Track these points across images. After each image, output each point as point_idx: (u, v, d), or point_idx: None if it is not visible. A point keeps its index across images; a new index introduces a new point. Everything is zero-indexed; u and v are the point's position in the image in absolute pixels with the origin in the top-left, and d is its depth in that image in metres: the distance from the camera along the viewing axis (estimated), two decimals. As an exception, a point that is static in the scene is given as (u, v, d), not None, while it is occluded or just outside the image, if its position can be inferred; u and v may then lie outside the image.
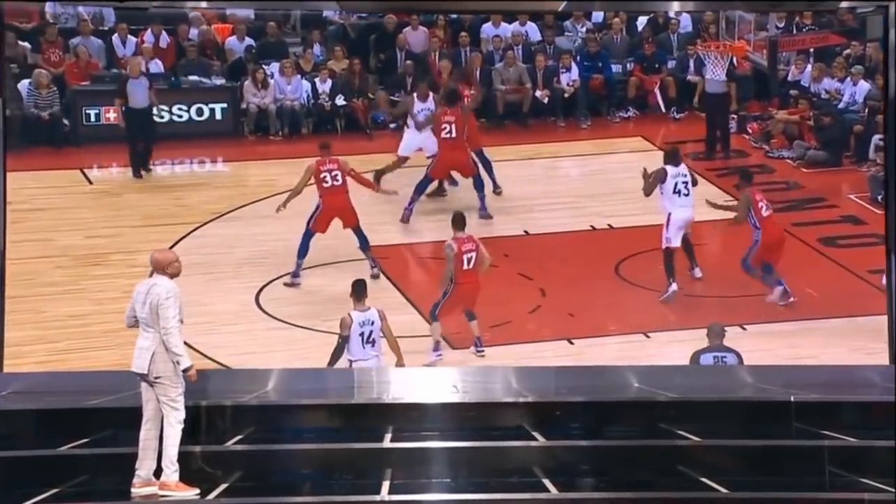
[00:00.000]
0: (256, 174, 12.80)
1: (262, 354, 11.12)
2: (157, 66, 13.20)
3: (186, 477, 7.27)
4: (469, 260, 10.92)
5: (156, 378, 7.19)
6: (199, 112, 12.95)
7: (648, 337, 11.43)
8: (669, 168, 11.61)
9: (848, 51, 12.90)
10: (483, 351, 11.12)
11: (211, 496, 7.18)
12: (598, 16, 13.51)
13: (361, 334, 10.49)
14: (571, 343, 11.36)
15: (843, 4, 11.76)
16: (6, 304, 11.19)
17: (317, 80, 13.18)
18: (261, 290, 11.69)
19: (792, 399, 8.98)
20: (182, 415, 7.23)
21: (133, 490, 7.22)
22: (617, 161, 12.71)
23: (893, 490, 7.29)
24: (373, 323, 10.48)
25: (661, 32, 13.38)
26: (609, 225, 12.32)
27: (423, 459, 8.05)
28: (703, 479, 7.66)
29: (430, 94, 12.55)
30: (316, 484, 7.78)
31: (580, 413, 9.16)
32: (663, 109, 13.11)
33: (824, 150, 12.71)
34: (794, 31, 12.90)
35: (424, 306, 11.46)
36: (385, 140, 12.84)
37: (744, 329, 11.43)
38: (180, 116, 12.91)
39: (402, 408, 9.23)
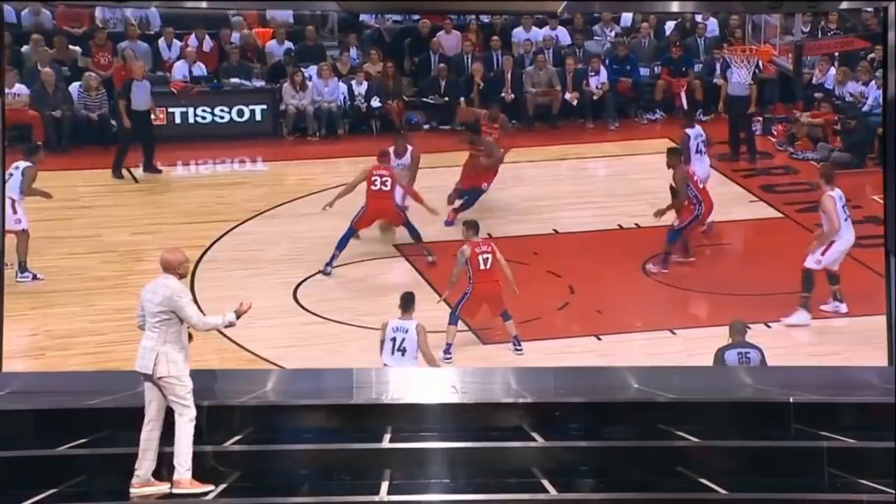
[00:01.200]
0: (294, 173, 13.10)
1: (299, 348, 11.25)
2: (200, 69, 13.60)
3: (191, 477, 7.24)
4: (486, 260, 11.11)
5: (160, 378, 7.18)
6: (240, 113, 13.29)
7: (675, 333, 11.50)
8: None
9: (872, 55, 12.95)
10: (521, 349, 11.20)
11: (210, 496, 7.16)
12: (626, 19, 13.68)
13: (393, 339, 10.66)
14: (599, 339, 11.47)
15: (844, 5, 11.76)
16: (57, 297, 11.54)
17: (353, 82, 13.47)
18: (298, 285, 11.85)
19: (791, 400, 8.87)
20: (193, 412, 7.22)
21: (132, 490, 7.21)
22: (644, 162, 12.82)
23: (892, 491, 7.24)
24: (406, 331, 10.63)
25: (689, 36, 13.55)
26: (636, 224, 12.41)
27: (422, 460, 7.98)
28: (702, 480, 7.60)
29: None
30: (315, 484, 7.70)
31: (579, 414, 9.06)
32: (685, 110, 13.25)
33: (848, 152, 12.76)
34: (820, 36, 13.02)
35: (456, 301, 11.51)
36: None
37: (768, 327, 11.52)
38: (222, 118, 13.27)
39: (401, 408, 9.13)
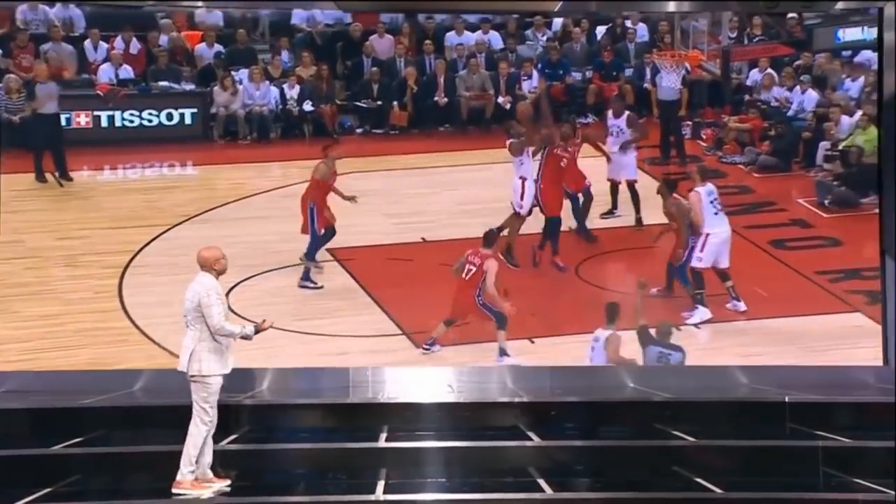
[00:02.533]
0: (225, 177, 12.94)
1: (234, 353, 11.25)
2: (127, 71, 13.32)
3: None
4: (469, 271, 11.34)
5: (191, 377, 7.21)
6: (170, 117, 13.04)
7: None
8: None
9: (799, 61, 13.20)
10: (504, 359, 11.33)
11: (205, 495, 7.18)
12: (557, 24, 13.72)
13: (592, 347, 11.06)
14: (532, 342, 11.55)
15: (840, 5, 11.86)
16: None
17: (285, 85, 13.30)
18: (229, 290, 11.60)
19: (786, 399, 8.99)
20: (208, 417, 7.20)
21: (176, 489, 7.22)
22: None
23: (888, 491, 7.28)
24: (597, 340, 11.09)
25: (619, 42, 13.62)
26: (570, 227, 12.44)
27: (418, 459, 8.04)
28: (698, 480, 7.64)
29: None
30: (311, 484, 7.73)
31: (575, 413, 9.14)
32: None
33: (775, 157, 12.96)
34: (746, 42, 13.21)
35: (390, 306, 11.68)
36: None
37: (697, 328, 11.77)
38: (150, 121, 13.01)
39: (398, 407, 9.20)
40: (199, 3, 12.98)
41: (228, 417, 8.04)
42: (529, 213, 12.19)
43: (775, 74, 13.17)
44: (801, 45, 12.91)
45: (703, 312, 11.72)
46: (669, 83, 12.79)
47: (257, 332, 7.32)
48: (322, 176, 12.06)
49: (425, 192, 12.80)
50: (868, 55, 12.83)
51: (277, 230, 12.11)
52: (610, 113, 12.69)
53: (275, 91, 13.34)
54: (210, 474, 7.35)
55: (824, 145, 12.78)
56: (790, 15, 12.96)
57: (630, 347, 11.32)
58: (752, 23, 13.12)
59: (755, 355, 11.56)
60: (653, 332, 11.44)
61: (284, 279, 11.85)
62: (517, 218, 12.17)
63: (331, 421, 8.95)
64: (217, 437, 7.63)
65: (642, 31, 13.51)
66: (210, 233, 12.11)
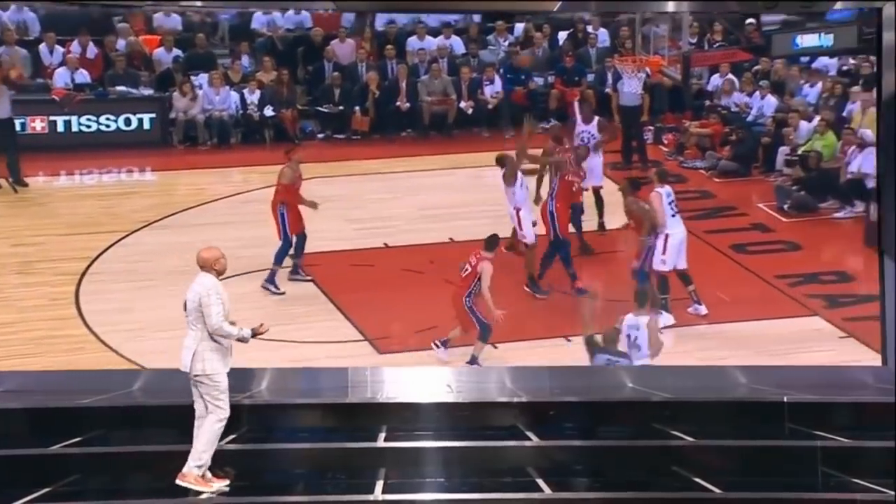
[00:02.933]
0: (185, 183, 12.83)
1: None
2: (83, 76, 13.14)
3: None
4: (465, 271, 11.37)
5: (195, 376, 7.21)
6: (128, 122, 12.89)
7: (570, 341, 11.70)
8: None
9: (758, 66, 13.25)
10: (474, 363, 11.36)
11: (204, 495, 7.18)
12: (519, 29, 13.71)
13: (628, 336, 11.10)
14: (495, 347, 11.53)
15: (838, 5, 11.89)
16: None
17: (245, 90, 13.21)
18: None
19: (785, 399, 9.01)
20: (223, 413, 7.21)
21: (180, 481, 7.22)
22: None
23: (886, 490, 7.31)
24: (638, 328, 11.06)
25: (581, 47, 13.66)
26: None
27: (417, 459, 8.06)
28: (697, 480, 7.66)
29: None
30: (310, 483, 7.74)
31: (574, 413, 9.16)
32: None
33: (735, 161, 13.02)
34: (706, 48, 13.29)
35: (353, 313, 11.65)
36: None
37: (660, 332, 11.65)
38: (108, 126, 12.85)
39: (396, 407, 9.22)
40: (199, 3, 12.92)
41: (228, 417, 7.80)
42: (536, 239, 12.12)
43: (735, 80, 13.25)
44: (760, 51, 12.97)
45: (666, 318, 11.77)
46: (630, 88, 12.83)
47: (254, 335, 7.34)
48: (289, 180, 12.02)
49: (387, 198, 12.74)
50: (825, 61, 13.04)
51: (238, 236, 11.93)
52: (580, 119, 12.69)
53: (235, 96, 13.24)
54: (209, 474, 7.36)
55: (783, 150, 12.86)
56: (748, 21, 13.03)
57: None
58: (713, 28, 13.25)
59: (718, 359, 11.61)
60: (599, 338, 11.48)
61: (247, 285, 11.73)
62: (528, 249, 12.12)
63: (330, 421, 8.97)
64: (219, 437, 7.61)
65: (603, 36, 13.57)
66: (169, 239, 12.05)
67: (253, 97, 13.19)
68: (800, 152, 12.75)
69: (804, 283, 12.18)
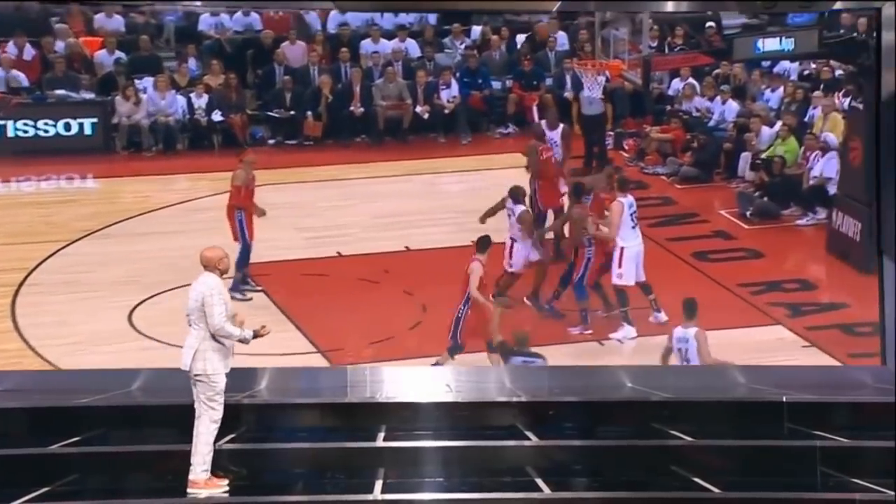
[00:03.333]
0: (129, 191, 12.58)
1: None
2: (20, 78, 12.77)
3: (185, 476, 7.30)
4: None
5: (195, 375, 7.29)
6: (67, 127, 12.55)
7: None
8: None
9: (718, 70, 13.22)
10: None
11: (203, 495, 7.24)
12: (476, 32, 13.60)
13: (678, 350, 11.10)
14: (453, 358, 11.40)
15: (838, 5, 11.81)
16: None
17: (192, 95, 12.97)
18: (134, 308, 11.45)
19: (784, 399, 9.07)
20: (217, 414, 7.31)
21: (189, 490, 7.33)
22: (497, 177, 12.62)
23: (885, 490, 7.38)
24: (687, 341, 11.03)
25: (539, 50, 13.51)
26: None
27: (416, 459, 8.12)
28: (696, 479, 7.72)
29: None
30: (309, 483, 7.81)
31: (573, 413, 9.23)
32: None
33: (696, 167, 12.97)
34: (667, 51, 13.22)
35: (303, 322, 11.44)
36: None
37: (620, 342, 11.73)
38: (46, 132, 12.49)
39: (396, 407, 9.28)
40: (198, 3, 12.83)
41: (226, 417, 7.91)
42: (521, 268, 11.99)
43: (697, 84, 13.24)
44: (721, 55, 12.85)
45: (627, 331, 11.72)
46: (590, 93, 12.69)
47: (255, 337, 7.41)
48: (243, 182, 11.85)
49: (340, 205, 12.57)
50: (786, 66, 13.04)
51: (185, 245, 11.31)
52: (544, 124, 12.60)
53: (181, 100, 13.01)
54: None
55: (745, 156, 12.80)
56: (708, 24, 12.99)
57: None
58: (674, 32, 13.21)
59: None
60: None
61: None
62: (512, 276, 11.99)
63: (329, 420, 9.03)
64: (215, 437, 7.67)
65: (563, 39, 13.50)
66: (112, 248, 11.84)
67: (200, 101, 12.95)
68: (763, 156, 12.64)
69: (767, 292, 12.07)
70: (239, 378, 9.34)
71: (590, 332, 11.63)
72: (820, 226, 12.37)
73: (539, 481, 7.68)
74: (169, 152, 12.80)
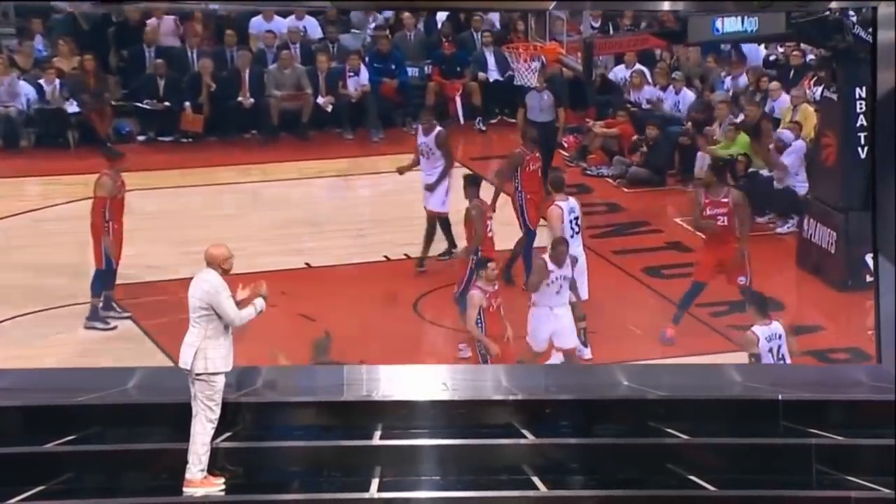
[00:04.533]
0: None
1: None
2: None
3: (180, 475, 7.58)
4: None
5: (196, 374, 7.54)
6: None
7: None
8: None
9: (668, 54, 12.66)
10: None
11: (199, 493, 7.56)
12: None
13: (770, 349, 11.05)
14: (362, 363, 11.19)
15: (833, 4, 11.53)
16: None
17: (41, 81, 12.04)
18: None
19: (780, 398, 9.39)
20: (213, 414, 7.58)
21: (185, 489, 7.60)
22: (415, 180, 11.90)
23: (880, 488, 7.68)
24: (780, 336, 11.13)
25: (464, 31, 12.76)
26: (406, 255, 11.83)
27: (413, 457, 8.44)
28: (692, 477, 8.05)
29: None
30: (305, 481, 8.11)
31: (570, 411, 9.55)
32: (461, 120, 12.40)
33: (647, 168, 12.30)
34: (612, 33, 12.54)
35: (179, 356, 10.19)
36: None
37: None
38: None
39: (392, 405, 9.60)
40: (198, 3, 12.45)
41: (222, 415, 8.04)
42: None
43: (646, 71, 12.55)
44: (674, 37, 12.10)
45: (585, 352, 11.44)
46: (521, 80, 11.81)
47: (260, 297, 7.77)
48: (108, 192, 11.26)
49: (226, 215, 11.95)
50: (750, 48, 12.36)
51: (35, 262, 11.26)
52: (420, 130, 11.95)
53: (27, 87, 12.03)
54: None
55: (703, 155, 12.02)
56: (832, 3, 12.25)
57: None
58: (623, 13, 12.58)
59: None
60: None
61: (48, 325, 11.12)
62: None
63: (325, 419, 9.37)
64: (212, 436, 7.87)
65: (493, 18, 12.80)
66: None
67: (50, 89, 11.99)
68: (726, 156, 11.90)
69: (729, 313, 11.50)
70: (235, 376, 9.48)
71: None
72: (791, 234, 11.87)
73: (535, 479, 8.00)
74: (11, 150, 11.84)
